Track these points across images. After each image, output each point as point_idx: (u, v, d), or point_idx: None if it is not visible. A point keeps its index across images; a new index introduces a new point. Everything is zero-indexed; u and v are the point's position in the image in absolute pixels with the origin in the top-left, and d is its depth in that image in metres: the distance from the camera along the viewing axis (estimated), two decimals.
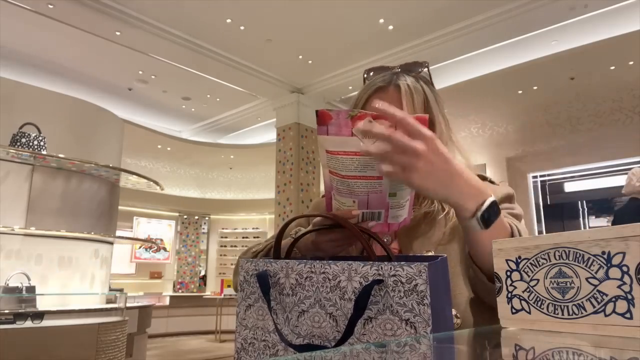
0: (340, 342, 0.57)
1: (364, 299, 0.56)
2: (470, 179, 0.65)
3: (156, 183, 5.24)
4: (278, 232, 0.74)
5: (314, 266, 0.62)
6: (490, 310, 0.82)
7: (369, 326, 0.56)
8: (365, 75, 0.98)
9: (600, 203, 7.50)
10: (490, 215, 0.65)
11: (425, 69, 0.94)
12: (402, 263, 0.56)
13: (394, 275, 0.55)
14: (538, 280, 0.48)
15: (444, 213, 0.86)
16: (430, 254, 0.81)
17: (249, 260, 0.71)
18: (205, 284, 10.77)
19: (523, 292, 0.49)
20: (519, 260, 0.50)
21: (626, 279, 0.41)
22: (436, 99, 0.90)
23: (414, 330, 0.53)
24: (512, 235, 0.69)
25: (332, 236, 0.74)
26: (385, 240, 0.85)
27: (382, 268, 0.56)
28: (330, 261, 0.61)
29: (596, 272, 0.43)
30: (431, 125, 0.83)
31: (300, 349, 0.60)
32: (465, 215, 0.66)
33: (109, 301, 4.92)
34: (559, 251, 0.47)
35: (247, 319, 0.69)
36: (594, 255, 0.44)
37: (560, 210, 7.80)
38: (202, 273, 10.90)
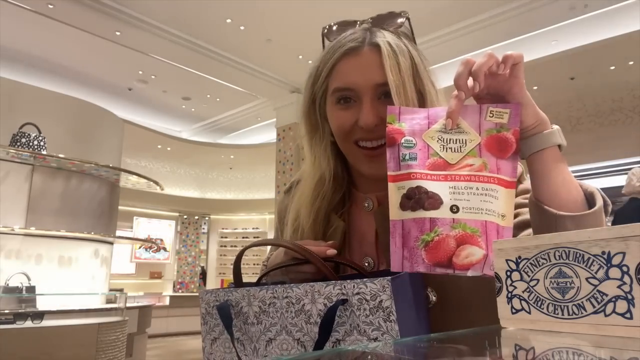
0: None
1: (329, 322, 0.53)
2: None
3: (156, 183, 5.25)
4: (235, 260, 0.67)
5: (276, 291, 0.58)
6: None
7: None
8: (326, 32, 0.77)
9: None
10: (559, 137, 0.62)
11: (405, 20, 0.73)
12: (364, 280, 0.52)
13: (358, 293, 0.52)
14: (538, 280, 0.48)
15: None
16: None
17: (208, 291, 0.66)
18: (205, 284, 10.77)
19: (523, 292, 0.49)
20: (519, 260, 0.50)
21: (626, 279, 0.41)
22: (423, 61, 0.72)
23: None
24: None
25: (303, 269, 0.65)
26: (366, 264, 0.73)
27: (345, 287, 0.53)
28: (292, 284, 0.58)
29: (596, 272, 0.43)
30: (420, 96, 0.70)
31: None
32: (546, 127, 0.61)
33: (109, 301, 4.92)
34: (559, 251, 0.47)
35: (214, 353, 0.65)
36: (594, 255, 0.44)
37: None
38: (202, 266, 10.86)
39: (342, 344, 0.53)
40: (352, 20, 0.76)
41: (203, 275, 10.85)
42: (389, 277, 0.51)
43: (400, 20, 0.73)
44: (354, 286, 0.52)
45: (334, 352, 0.48)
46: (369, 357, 0.42)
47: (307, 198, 0.76)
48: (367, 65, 0.69)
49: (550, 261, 0.47)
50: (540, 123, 0.61)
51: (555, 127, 0.62)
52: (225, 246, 11.16)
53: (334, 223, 0.75)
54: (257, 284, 0.69)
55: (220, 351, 0.64)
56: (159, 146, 8.29)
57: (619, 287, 0.42)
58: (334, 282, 0.54)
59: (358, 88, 0.69)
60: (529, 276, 0.49)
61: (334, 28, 0.76)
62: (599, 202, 0.60)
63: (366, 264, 0.72)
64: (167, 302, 9.43)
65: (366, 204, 0.76)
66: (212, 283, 10.73)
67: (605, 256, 0.43)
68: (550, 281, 0.47)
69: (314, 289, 0.55)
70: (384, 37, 0.70)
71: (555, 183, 0.60)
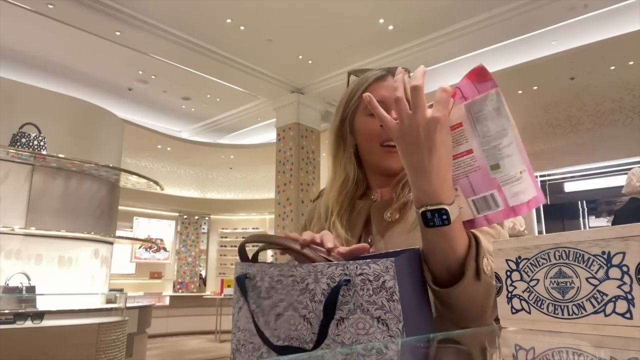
0: (317, 345, 0.56)
1: (333, 301, 0.55)
2: (445, 176, 0.61)
3: (156, 183, 5.24)
4: (239, 247, 0.75)
5: (283, 269, 0.62)
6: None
7: (342, 326, 0.55)
8: (353, 74, 1.01)
9: (600, 203, 7.50)
10: (434, 219, 0.61)
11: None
12: (367, 260, 0.55)
13: (361, 274, 0.55)
14: (538, 280, 0.48)
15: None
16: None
17: (239, 263, 0.72)
18: (205, 284, 10.77)
19: (523, 292, 0.49)
20: (519, 260, 0.50)
21: (626, 279, 0.41)
22: None
23: (385, 327, 0.53)
24: (469, 247, 0.64)
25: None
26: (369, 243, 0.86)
27: (347, 267, 0.56)
28: (297, 264, 0.61)
29: (596, 272, 0.43)
30: None
31: (281, 350, 0.61)
32: (415, 203, 0.64)
33: (109, 301, 4.92)
34: (559, 251, 0.47)
35: (240, 320, 0.70)
36: (594, 255, 0.44)
37: (560, 210, 7.80)
38: (200, 273, 10.89)
39: (346, 322, 0.55)
40: (371, 69, 0.99)
41: (203, 279, 10.86)
42: (392, 259, 0.54)
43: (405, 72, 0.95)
44: (356, 267, 0.55)
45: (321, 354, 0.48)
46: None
47: (335, 194, 0.94)
48: (391, 86, 0.88)
49: (550, 261, 0.47)
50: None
51: (444, 206, 0.62)
52: (225, 246, 11.15)
53: (357, 207, 0.93)
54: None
55: (243, 319, 0.69)
56: (159, 146, 8.29)
57: (619, 287, 0.42)
58: (336, 262, 0.57)
59: (387, 101, 0.90)
60: (529, 276, 0.49)
61: (357, 72, 1.00)
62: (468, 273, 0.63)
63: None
64: (167, 302, 9.42)
65: (373, 197, 0.94)
66: (212, 283, 10.73)
67: (605, 256, 0.43)
68: (550, 281, 0.47)
69: (317, 269, 0.58)
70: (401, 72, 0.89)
71: (427, 247, 0.65)
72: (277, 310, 0.62)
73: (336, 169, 0.97)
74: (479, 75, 0.60)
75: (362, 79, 0.96)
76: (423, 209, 0.61)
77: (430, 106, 0.60)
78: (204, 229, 11.16)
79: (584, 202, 7.60)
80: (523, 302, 0.49)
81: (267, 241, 0.70)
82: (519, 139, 0.59)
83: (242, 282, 0.67)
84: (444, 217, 0.60)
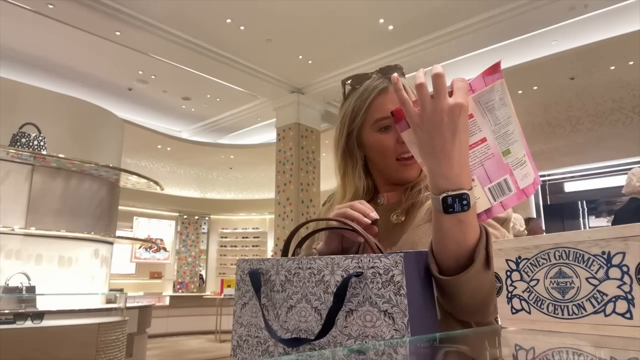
0: (321, 335, 0.57)
1: (342, 292, 0.57)
2: (465, 161, 0.62)
3: (156, 183, 5.24)
4: (288, 236, 0.77)
5: (302, 262, 0.64)
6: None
7: (351, 318, 0.57)
8: (350, 82, 0.97)
9: (600, 203, 7.50)
10: (454, 205, 0.62)
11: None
12: (379, 255, 0.57)
13: (373, 267, 0.57)
14: (538, 280, 0.48)
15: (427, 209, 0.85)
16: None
17: (244, 260, 0.73)
18: (205, 284, 10.77)
19: (523, 292, 0.49)
20: (519, 260, 0.50)
21: (626, 279, 0.41)
22: None
23: (392, 321, 0.54)
24: (480, 238, 0.64)
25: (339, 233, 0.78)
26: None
27: (361, 260, 0.58)
28: (316, 257, 0.63)
29: (596, 272, 0.43)
30: None
31: (288, 342, 0.62)
32: (432, 189, 0.64)
33: (109, 301, 4.92)
34: (559, 251, 0.47)
35: (243, 316, 0.71)
36: (594, 255, 0.44)
37: (560, 210, 7.80)
38: (200, 274, 10.89)
39: (355, 314, 0.57)
40: (364, 73, 0.96)
41: (203, 279, 10.86)
42: (402, 253, 0.55)
43: (399, 72, 0.92)
44: (369, 260, 0.57)
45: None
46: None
47: None
48: (395, 99, 0.85)
49: (550, 261, 0.47)
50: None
51: (464, 191, 0.63)
52: (225, 246, 11.15)
53: None
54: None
55: (248, 315, 0.70)
56: (159, 146, 8.29)
57: (619, 287, 0.42)
58: (352, 256, 0.59)
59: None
60: (529, 276, 0.49)
61: (349, 81, 0.97)
62: (477, 262, 0.63)
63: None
64: (167, 302, 9.42)
65: (379, 200, 0.95)
66: (212, 283, 10.73)
67: (605, 256, 0.43)
68: (550, 281, 0.47)
69: (334, 261, 0.60)
70: (404, 80, 0.91)
71: (442, 236, 0.65)
72: (289, 302, 0.64)
73: (346, 186, 0.97)
74: (491, 69, 0.63)
75: (364, 93, 0.92)
76: (444, 194, 0.62)
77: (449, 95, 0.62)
78: (204, 229, 11.16)
79: (584, 202, 7.61)
80: (523, 302, 0.49)
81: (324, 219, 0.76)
82: (519, 125, 0.65)
83: (257, 277, 0.68)
84: (464, 202, 0.62)
